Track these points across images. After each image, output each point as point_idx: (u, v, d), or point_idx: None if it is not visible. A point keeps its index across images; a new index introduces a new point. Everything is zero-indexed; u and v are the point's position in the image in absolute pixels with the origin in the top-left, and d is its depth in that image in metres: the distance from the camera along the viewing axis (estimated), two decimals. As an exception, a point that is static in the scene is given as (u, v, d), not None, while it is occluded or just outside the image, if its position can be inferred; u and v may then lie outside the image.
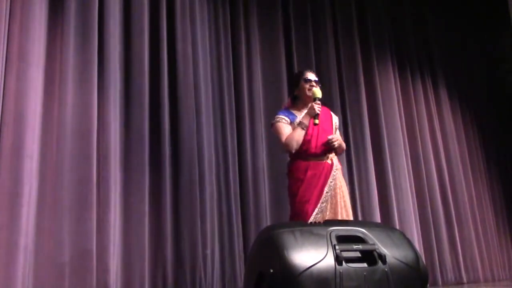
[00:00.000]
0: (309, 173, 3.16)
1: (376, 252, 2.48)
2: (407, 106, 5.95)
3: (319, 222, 2.83)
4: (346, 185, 3.36)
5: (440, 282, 5.45)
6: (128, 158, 3.80)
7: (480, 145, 6.74)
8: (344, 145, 3.41)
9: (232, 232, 4.23)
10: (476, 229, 6.18)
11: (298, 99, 3.37)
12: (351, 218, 3.28)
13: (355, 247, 2.48)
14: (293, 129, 3.23)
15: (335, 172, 3.22)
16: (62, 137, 3.42)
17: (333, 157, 3.27)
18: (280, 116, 3.32)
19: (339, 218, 3.15)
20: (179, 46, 4.24)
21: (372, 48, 5.78)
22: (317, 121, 3.14)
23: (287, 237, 2.42)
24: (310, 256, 2.36)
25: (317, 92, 3.24)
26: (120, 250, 3.61)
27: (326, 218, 3.11)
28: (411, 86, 6.09)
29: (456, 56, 6.82)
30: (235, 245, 4.21)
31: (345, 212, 3.20)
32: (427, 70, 6.38)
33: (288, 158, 3.37)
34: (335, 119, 3.46)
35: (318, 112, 3.16)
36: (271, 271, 2.33)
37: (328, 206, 3.16)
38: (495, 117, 7.04)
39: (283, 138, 3.23)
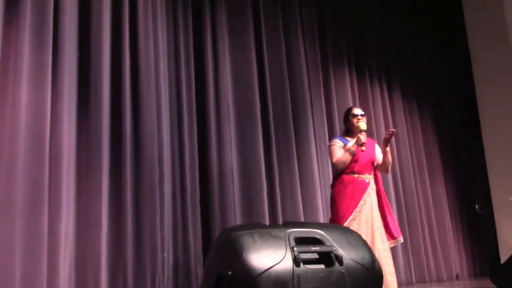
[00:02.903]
0: (350, 186, 3.85)
1: (334, 253, 2.52)
2: (363, 109, 6.04)
3: (278, 224, 2.85)
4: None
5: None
6: (84, 159, 3.72)
7: (437, 149, 6.92)
8: (390, 165, 4.04)
9: (188, 234, 4.19)
10: (431, 231, 6.34)
11: (349, 130, 4.05)
12: (382, 231, 3.83)
13: (313, 248, 2.52)
14: (344, 152, 3.90)
15: (370, 190, 3.88)
16: (14, 137, 3.32)
17: (371, 178, 3.93)
18: (336, 140, 4.03)
19: (375, 230, 3.76)
20: (141, 44, 4.17)
21: (329, 52, 5.86)
22: (363, 148, 3.80)
23: (246, 239, 2.43)
24: (269, 257, 2.38)
25: (362, 125, 3.92)
26: (74, 253, 3.53)
27: (360, 226, 3.74)
28: (369, 91, 6.21)
29: (413, 62, 6.98)
30: (191, 247, 4.17)
31: (377, 224, 3.80)
32: (384, 75, 6.52)
33: (334, 173, 4.06)
34: (377, 148, 4.11)
35: (364, 141, 3.80)
36: (230, 273, 2.33)
37: (363, 217, 3.78)
38: (451, 122, 7.23)
39: (334, 158, 3.93)
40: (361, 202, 3.81)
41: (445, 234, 6.51)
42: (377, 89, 6.32)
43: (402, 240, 4.01)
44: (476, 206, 7.10)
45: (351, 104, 5.78)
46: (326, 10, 6.01)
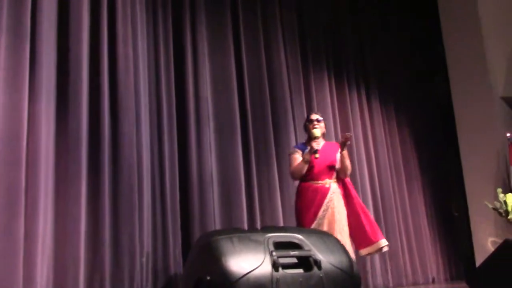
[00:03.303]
0: (309, 193, 3.89)
1: (312, 258, 2.54)
2: (342, 115, 6.07)
3: (257, 229, 2.86)
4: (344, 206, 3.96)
5: (371, 287, 5.62)
6: (62, 163, 3.65)
7: (414, 155, 6.96)
8: (348, 169, 4.04)
9: (168, 239, 4.15)
10: (408, 235, 6.41)
11: (309, 137, 4.07)
12: (346, 231, 3.87)
13: (291, 253, 2.54)
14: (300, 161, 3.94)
15: (332, 194, 3.89)
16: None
17: (331, 183, 3.93)
18: (294, 148, 4.13)
19: (336, 234, 3.71)
20: (120, 48, 4.13)
21: (309, 57, 5.87)
22: (317, 155, 3.82)
23: (225, 244, 2.44)
24: (248, 262, 2.39)
25: (315, 132, 3.96)
26: (51, 259, 3.47)
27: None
28: (347, 95, 6.22)
29: (391, 67, 7.02)
30: (170, 252, 4.14)
31: (339, 228, 3.81)
32: (362, 80, 6.54)
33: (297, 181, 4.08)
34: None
35: (317, 148, 3.81)
36: (208, 277, 2.33)
37: (326, 222, 3.81)
38: (429, 127, 7.32)
39: (291, 168, 4.01)
40: (323, 208, 3.82)
41: (421, 238, 6.57)
42: (355, 94, 6.33)
43: (383, 244, 3.97)
44: (453, 210, 7.20)
45: (330, 110, 5.83)
46: (306, 14, 6.02)
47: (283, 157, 5.16)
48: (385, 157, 6.36)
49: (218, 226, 4.45)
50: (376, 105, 6.56)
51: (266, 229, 2.78)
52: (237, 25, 5.21)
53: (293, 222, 4.68)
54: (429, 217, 6.85)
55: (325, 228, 3.76)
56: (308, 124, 4.08)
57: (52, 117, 3.65)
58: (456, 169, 7.18)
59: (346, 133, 3.98)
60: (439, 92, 7.48)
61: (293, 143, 5.19)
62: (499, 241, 5.37)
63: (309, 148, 3.89)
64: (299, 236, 2.66)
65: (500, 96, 6.90)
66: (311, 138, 3.98)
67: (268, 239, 2.55)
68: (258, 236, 2.55)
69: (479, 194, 6.66)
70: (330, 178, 3.94)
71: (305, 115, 5.40)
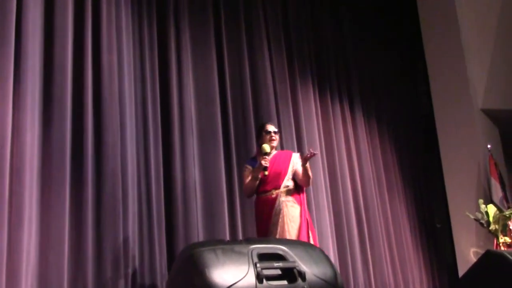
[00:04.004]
0: (260, 205, 3.96)
1: (296, 269, 2.53)
2: (326, 126, 6.08)
3: (241, 240, 2.85)
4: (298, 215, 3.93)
5: (354, 298, 5.62)
6: (46, 172, 3.59)
7: (397, 166, 6.99)
8: (311, 179, 4.03)
9: (154, 251, 4.10)
10: (390, 247, 6.41)
11: (259, 150, 4.02)
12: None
13: (275, 264, 2.52)
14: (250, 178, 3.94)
15: (280, 203, 3.89)
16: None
17: (280, 192, 3.92)
18: (246, 165, 4.07)
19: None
20: (104, 56, 4.09)
21: (295, 66, 5.87)
22: (266, 173, 3.84)
23: (209, 256, 2.41)
24: (232, 274, 2.36)
25: (266, 147, 3.90)
26: (36, 272, 3.39)
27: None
28: (330, 106, 6.22)
29: (374, 79, 7.07)
30: (156, 264, 4.08)
31: (292, 234, 3.82)
32: (345, 92, 6.55)
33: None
34: (295, 159, 4.06)
35: (266, 165, 3.81)
36: (192, 290, 2.31)
37: (279, 230, 3.82)
38: (411, 138, 7.36)
39: (243, 186, 4.05)
40: (273, 218, 3.85)
41: (404, 250, 6.58)
42: (337, 105, 6.35)
43: None
44: (435, 221, 7.25)
45: (315, 121, 5.83)
46: (292, 22, 6.03)
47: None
48: (368, 169, 6.37)
49: (201, 238, 4.42)
50: (359, 116, 6.58)
51: (250, 240, 2.76)
52: (220, 32, 5.21)
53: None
54: (412, 228, 6.88)
55: (277, 236, 3.80)
56: (265, 135, 4.02)
57: (37, 126, 3.59)
58: (438, 180, 7.24)
59: (312, 150, 3.91)
60: (421, 103, 7.57)
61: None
62: (481, 251, 5.40)
63: (258, 164, 3.89)
64: (284, 248, 2.65)
65: (480, 108, 6.99)
66: (261, 152, 3.94)
67: (252, 250, 2.53)
68: (242, 248, 2.53)
69: (461, 205, 6.72)
70: (278, 187, 3.92)
71: (293, 126, 5.45)
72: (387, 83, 7.26)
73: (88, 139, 3.86)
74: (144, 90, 4.42)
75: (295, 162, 4.04)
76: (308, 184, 4.03)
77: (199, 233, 4.44)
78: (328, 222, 5.49)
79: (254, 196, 4.05)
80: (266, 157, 3.86)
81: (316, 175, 5.43)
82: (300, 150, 5.40)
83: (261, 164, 3.83)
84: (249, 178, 3.94)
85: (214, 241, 2.77)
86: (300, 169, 3.97)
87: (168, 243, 4.27)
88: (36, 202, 3.48)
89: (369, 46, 7.12)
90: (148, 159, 4.28)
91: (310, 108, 5.88)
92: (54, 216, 3.53)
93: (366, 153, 6.44)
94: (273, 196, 3.89)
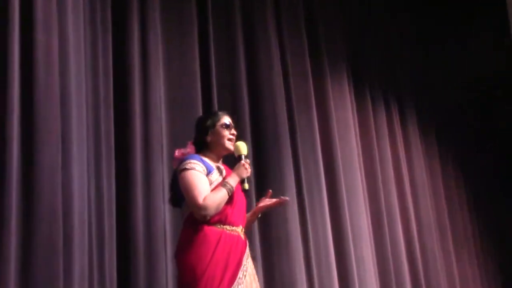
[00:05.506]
0: (221, 245, 2.66)
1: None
2: (366, 143, 5.10)
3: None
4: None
5: None
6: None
7: (465, 206, 5.93)
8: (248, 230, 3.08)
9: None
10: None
11: (208, 148, 2.85)
12: None
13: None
14: (216, 186, 2.71)
15: (249, 254, 2.79)
16: None
17: (243, 233, 2.82)
18: (194, 161, 2.70)
19: None
20: (39, 37, 3.04)
21: (325, 65, 4.82)
22: (247, 186, 2.78)
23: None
24: None
25: (243, 148, 2.84)
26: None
27: None
28: (371, 117, 5.22)
29: (430, 78, 6.01)
30: None
31: None
32: (393, 96, 5.54)
33: (188, 219, 2.74)
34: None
35: (247, 175, 2.78)
36: None
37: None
38: (485, 165, 6.21)
39: (199, 196, 2.60)
40: (240, 273, 2.66)
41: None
42: (383, 113, 5.34)
43: None
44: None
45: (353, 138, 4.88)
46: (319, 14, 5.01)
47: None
48: (427, 209, 5.30)
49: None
50: (415, 133, 5.51)
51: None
52: (205, 9, 4.13)
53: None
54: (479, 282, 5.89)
55: None
56: (222, 130, 2.84)
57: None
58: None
59: (283, 197, 2.98)
60: (501, 112, 6.19)
61: (287, 185, 4.15)
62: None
63: (237, 168, 2.75)
64: None
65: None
66: (212, 148, 2.83)
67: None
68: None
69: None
70: (244, 224, 2.85)
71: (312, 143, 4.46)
72: (451, 83, 6.27)
73: (12, 161, 2.84)
74: (97, 90, 3.33)
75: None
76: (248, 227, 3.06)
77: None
78: (374, 280, 4.53)
79: (198, 226, 2.69)
80: (247, 161, 2.81)
81: (358, 214, 4.58)
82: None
83: (244, 169, 2.74)
84: (217, 187, 2.69)
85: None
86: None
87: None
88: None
89: (425, 31, 6.03)
90: (101, 191, 3.22)
91: (347, 117, 4.87)
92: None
93: (424, 185, 5.35)
94: (242, 238, 2.78)
